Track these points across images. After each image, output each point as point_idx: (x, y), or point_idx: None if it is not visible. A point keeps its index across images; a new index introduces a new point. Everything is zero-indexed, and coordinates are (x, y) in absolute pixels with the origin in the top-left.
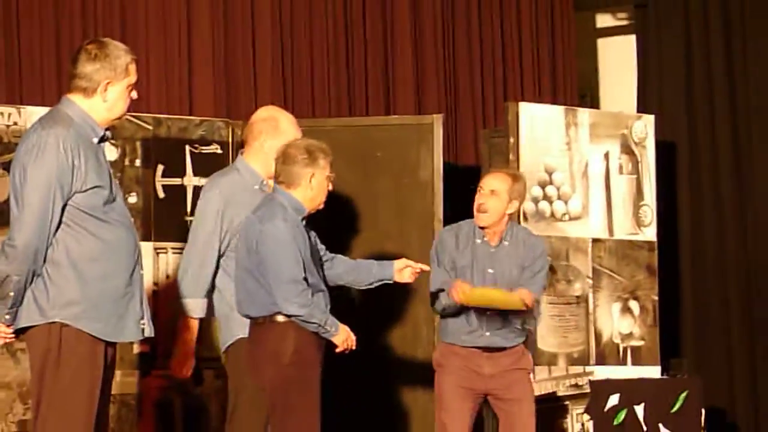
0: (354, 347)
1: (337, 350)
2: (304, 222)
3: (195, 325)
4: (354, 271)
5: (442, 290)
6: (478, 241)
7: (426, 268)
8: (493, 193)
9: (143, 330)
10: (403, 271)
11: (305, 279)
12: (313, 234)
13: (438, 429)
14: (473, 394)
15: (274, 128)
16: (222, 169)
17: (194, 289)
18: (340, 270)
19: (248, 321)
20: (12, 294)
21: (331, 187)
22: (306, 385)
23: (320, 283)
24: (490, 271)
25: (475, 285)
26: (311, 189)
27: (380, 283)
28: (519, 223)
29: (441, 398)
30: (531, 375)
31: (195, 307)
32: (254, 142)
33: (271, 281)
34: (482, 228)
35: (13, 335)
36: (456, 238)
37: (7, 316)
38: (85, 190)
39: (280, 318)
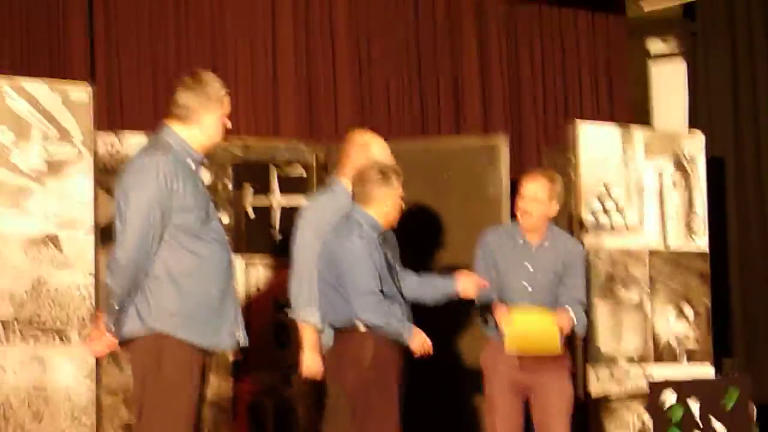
0: (431, 352)
1: (416, 355)
2: (381, 238)
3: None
4: (419, 289)
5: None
6: (520, 241)
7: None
8: (535, 199)
9: (238, 340)
10: (466, 287)
11: (381, 291)
12: (390, 249)
13: (488, 429)
14: (518, 390)
15: (365, 153)
16: (319, 189)
17: (313, 302)
18: (408, 287)
19: None
20: (116, 306)
21: (403, 205)
22: (385, 387)
23: (397, 294)
24: (530, 269)
25: (514, 286)
26: (385, 207)
27: (446, 299)
28: (581, 234)
29: (488, 399)
30: (569, 374)
31: (319, 319)
32: (348, 164)
33: (350, 293)
34: (525, 230)
35: (118, 345)
36: (499, 238)
37: (113, 327)
38: (183, 211)
39: (360, 327)
